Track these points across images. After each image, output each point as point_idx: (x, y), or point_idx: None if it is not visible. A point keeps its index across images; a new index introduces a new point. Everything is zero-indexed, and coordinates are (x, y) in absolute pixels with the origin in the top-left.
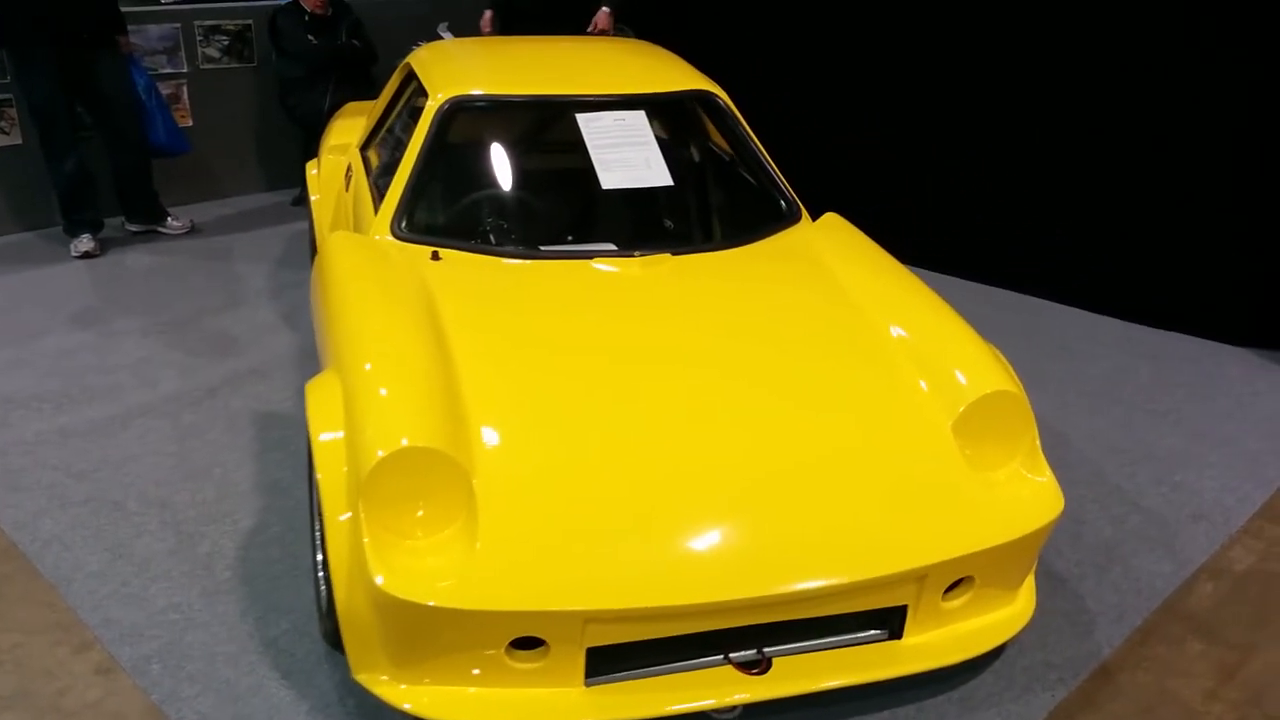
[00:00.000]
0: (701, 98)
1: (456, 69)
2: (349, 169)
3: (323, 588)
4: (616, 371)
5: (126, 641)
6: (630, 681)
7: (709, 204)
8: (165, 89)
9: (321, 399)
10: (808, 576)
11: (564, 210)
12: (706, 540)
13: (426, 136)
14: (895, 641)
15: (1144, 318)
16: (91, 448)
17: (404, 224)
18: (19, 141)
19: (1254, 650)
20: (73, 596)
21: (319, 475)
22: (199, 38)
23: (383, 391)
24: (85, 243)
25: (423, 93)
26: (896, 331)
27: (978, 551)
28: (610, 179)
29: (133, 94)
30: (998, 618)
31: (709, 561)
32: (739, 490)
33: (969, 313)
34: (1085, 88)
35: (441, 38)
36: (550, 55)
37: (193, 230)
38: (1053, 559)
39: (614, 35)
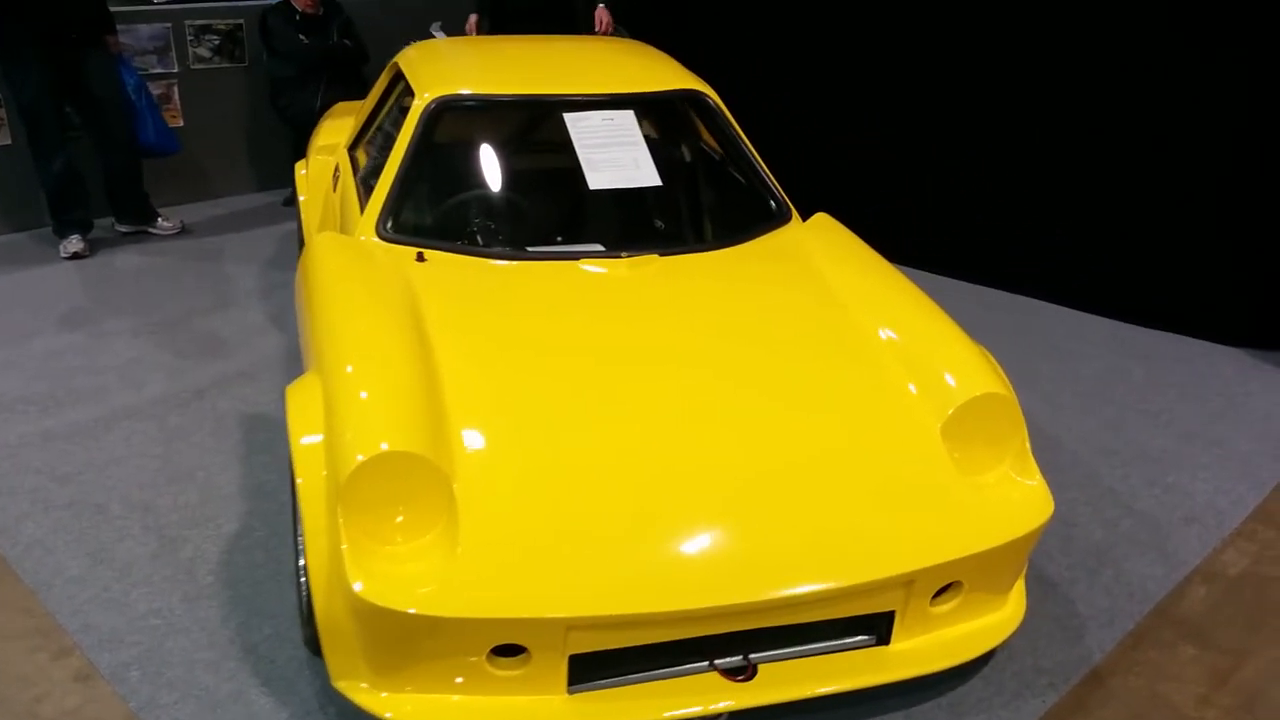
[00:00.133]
0: (691, 97)
1: (444, 68)
2: (336, 169)
3: (304, 593)
4: (602, 374)
5: (106, 647)
6: (614, 689)
7: (698, 204)
8: (156, 89)
9: (302, 402)
10: (793, 582)
11: (551, 211)
12: (691, 545)
13: (413, 136)
14: (883, 647)
15: (1137, 318)
16: (76, 450)
17: (389, 225)
18: (8, 141)
19: (1247, 655)
20: (52, 602)
21: (298, 480)
22: (190, 37)
23: (363, 395)
24: (75, 243)
25: (410, 92)
26: (885, 333)
27: (966, 556)
28: (598, 179)
29: (122, 94)
30: (987, 623)
31: (693, 567)
32: (725, 494)
33: (963, 313)
34: (1083, 89)
35: (434, 37)
36: (539, 55)
37: (183, 231)
38: (1043, 562)
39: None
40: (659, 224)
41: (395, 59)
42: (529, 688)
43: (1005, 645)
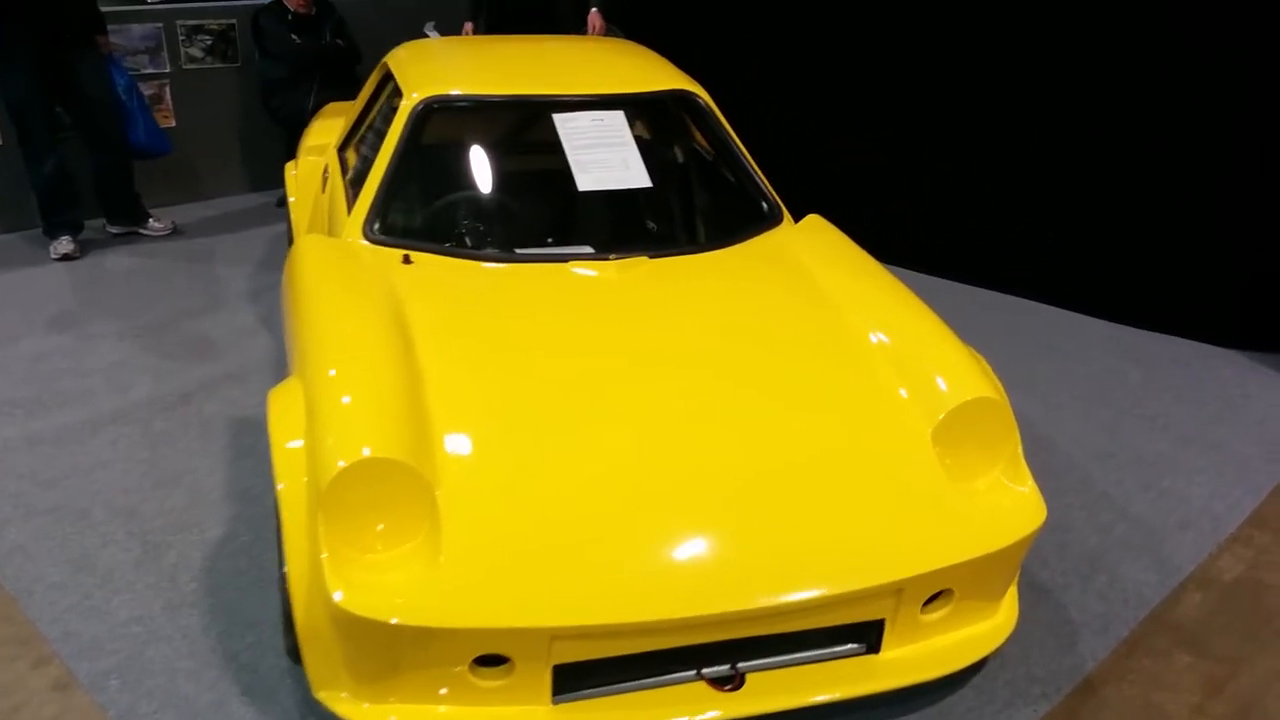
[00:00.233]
0: (682, 98)
1: (432, 68)
2: (326, 170)
3: (285, 601)
4: (589, 378)
5: (86, 656)
6: (599, 699)
7: (688, 206)
8: (148, 89)
9: (284, 406)
10: (781, 590)
11: (539, 212)
12: (677, 553)
13: (400, 137)
14: (872, 656)
15: (1134, 320)
16: (61, 455)
17: (376, 226)
18: None
19: (1243, 663)
20: (33, 609)
21: (279, 485)
22: (181, 37)
23: (345, 400)
24: (65, 244)
25: (398, 93)
26: (876, 336)
27: (957, 564)
28: (586, 180)
29: (113, 94)
30: (979, 631)
31: (679, 575)
32: (712, 501)
33: (959, 314)
34: (1079, 90)
35: (428, 37)
36: (529, 55)
37: (175, 232)
38: (1037, 568)
39: (604, 35)
40: (649, 226)
41: (385, 59)
42: (512, 698)
43: (997, 653)
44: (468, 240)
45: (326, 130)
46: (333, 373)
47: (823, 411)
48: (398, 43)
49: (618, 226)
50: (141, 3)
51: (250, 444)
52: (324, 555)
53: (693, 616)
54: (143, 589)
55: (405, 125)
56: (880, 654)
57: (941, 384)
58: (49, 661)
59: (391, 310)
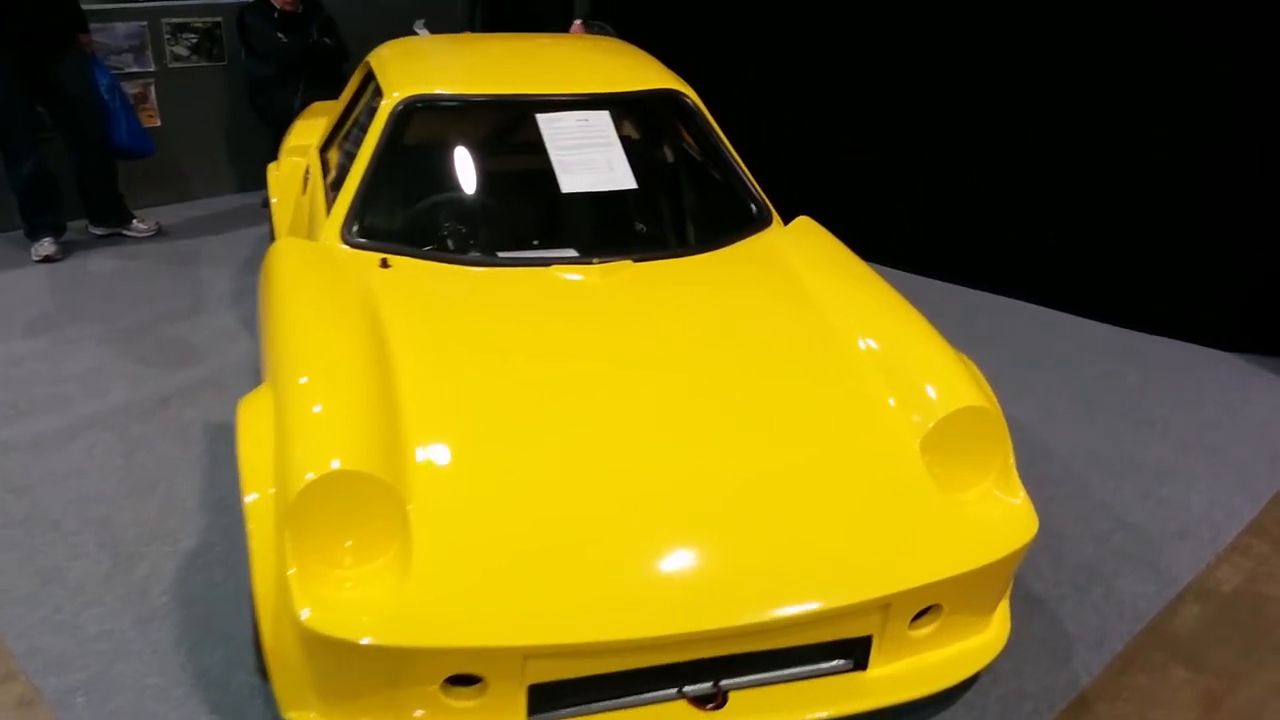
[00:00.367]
0: (669, 97)
1: (414, 67)
2: (307, 171)
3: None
4: (568, 387)
5: (52, 672)
6: (576, 719)
7: (674, 208)
8: (132, 88)
9: (253, 416)
10: (763, 607)
11: (521, 215)
12: (657, 569)
13: (380, 138)
14: (860, 673)
15: (1133, 322)
16: (34, 462)
17: (355, 229)
18: None
19: (1241, 678)
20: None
21: (246, 498)
22: (166, 35)
23: (316, 409)
24: (46, 246)
25: (379, 92)
26: (864, 342)
27: (945, 579)
28: (570, 182)
29: (95, 94)
30: (969, 646)
31: (659, 591)
32: (694, 515)
33: (956, 317)
34: (1077, 91)
35: (417, 35)
36: (514, 54)
37: (159, 233)
38: (1031, 580)
39: (594, 34)
40: (634, 228)
41: (367, 57)
42: (486, 718)
43: (989, 669)
44: (449, 243)
45: (309, 130)
46: (303, 381)
47: (808, 421)
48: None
49: (602, 229)
50: (125, 1)
51: (228, 451)
52: (291, 572)
53: (673, 634)
54: (113, 602)
55: (385, 125)
56: (868, 671)
57: (931, 392)
58: (14, 677)
59: (367, 316)
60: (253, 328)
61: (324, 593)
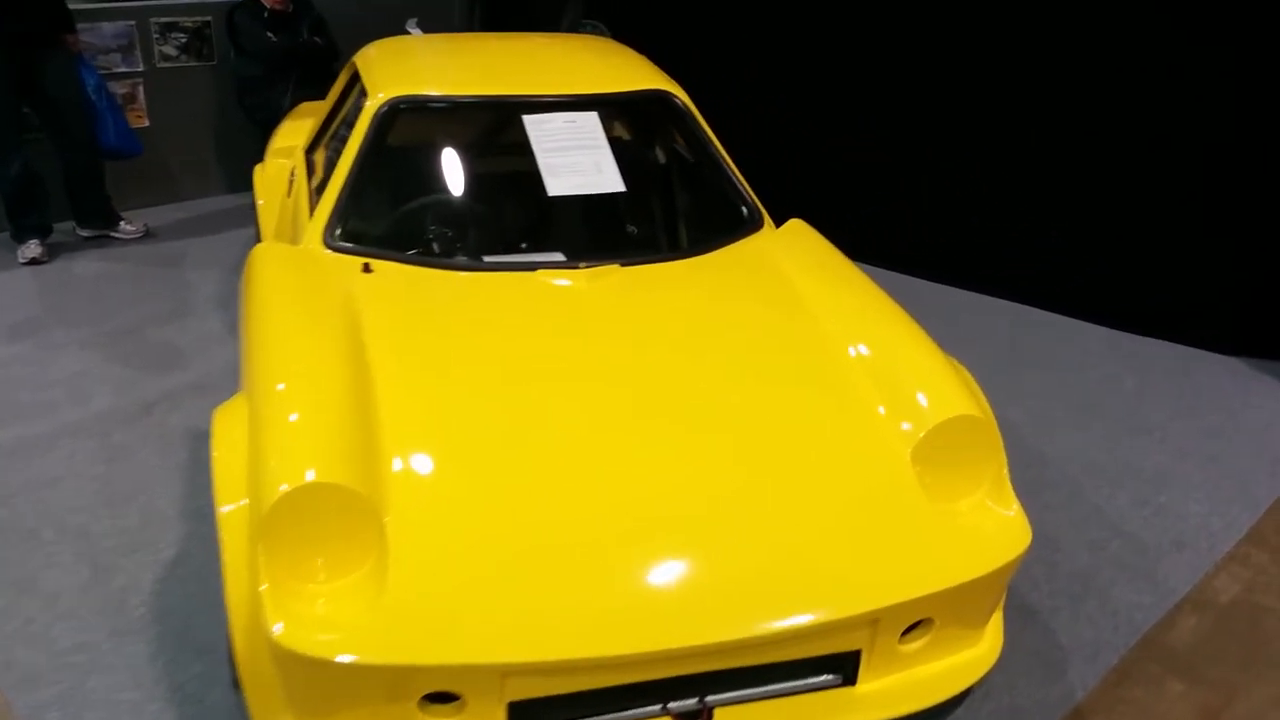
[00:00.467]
0: (658, 98)
1: (400, 68)
2: (293, 173)
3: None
4: (551, 395)
5: (24, 687)
6: None
7: (663, 211)
8: (120, 89)
9: (229, 425)
10: (748, 623)
11: (507, 218)
12: (640, 584)
13: (364, 139)
14: (849, 688)
15: (1133, 325)
16: (13, 470)
17: (337, 233)
18: None
19: (1238, 691)
20: None
21: (220, 509)
22: (155, 35)
23: (291, 419)
24: (33, 248)
25: (364, 93)
26: (855, 349)
27: (935, 593)
28: (557, 185)
29: (81, 94)
30: (961, 660)
31: (642, 607)
32: (678, 527)
33: (952, 319)
34: (1077, 92)
35: (410, 35)
36: (502, 53)
37: (147, 235)
38: (1026, 590)
39: (587, 34)
40: (622, 232)
41: (354, 57)
42: None
43: (981, 683)
44: (433, 247)
45: (295, 131)
46: (279, 390)
47: (796, 430)
48: None
49: (589, 233)
50: (113, 0)
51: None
52: (263, 588)
53: (656, 651)
54: (89, 614)
55: (370, 127)
56: (857, 686)
57: (922, 400)
58: None
59: (347, 323)
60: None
61: (297, 608)
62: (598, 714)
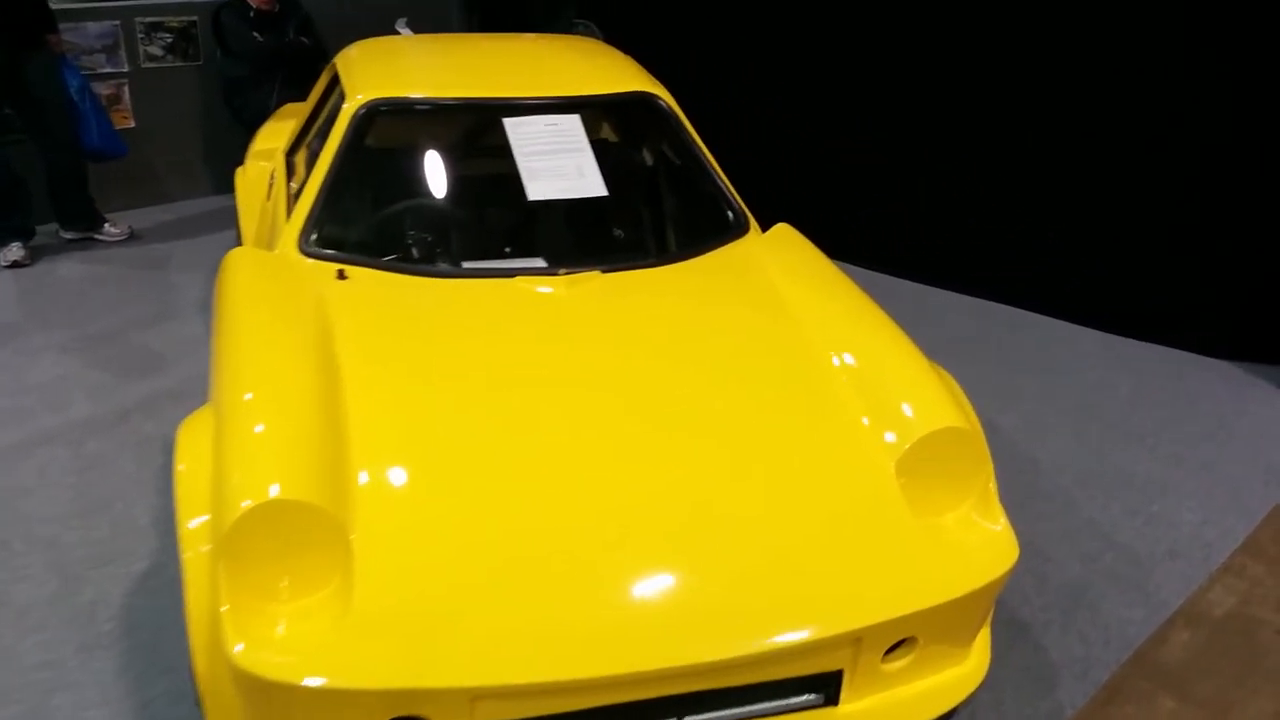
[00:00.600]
0: (642, 100)
1: (380, 69)
2: (273, 176)
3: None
4: (526, 408)
5: None
6: None
7: (646, 215)
8: (105, 89)
9: (194, 437)
10: (726, 644)
11: (486, 223)
12: (615, 603)
13: (341, 143)
14: (831, 709)
15: (1127, 329)
16: None
17: (313, 238)
18: None
19: (1232, 708)
20: None
21: (180, 527)
22: (140, 35)
23: (256, 431)
24: (14, 251)
25: (343, 95)
26: (840, 358)
27: (919, 611)
28: (537, 189)
29: (64, 95)
30: (947, 678)
31: (616, 627)
32: (655, 545)
33: (945, 323)
34: (1074, 94)
35: (400, 35)
36: (484, 55)
37: (131, 237)
38: (1015, 603)
39: (577, 34)
40: (603, 237)
41: (335, 58)
42: None
43: (968, 701)
44: (409, 254)
45: (277, 133)
46: (244, 400)
47: (778, 443)
48: None
49: (570, 238)
50: (97, 0)
51: None
52: (224, 608)
53: (631, 673)
54: (56, 628)
55: (347, 130)
56: (839, 706)
57: (907, 411)
58: None
59: (319, 331)
60: None
61: (258, 628)
62: None
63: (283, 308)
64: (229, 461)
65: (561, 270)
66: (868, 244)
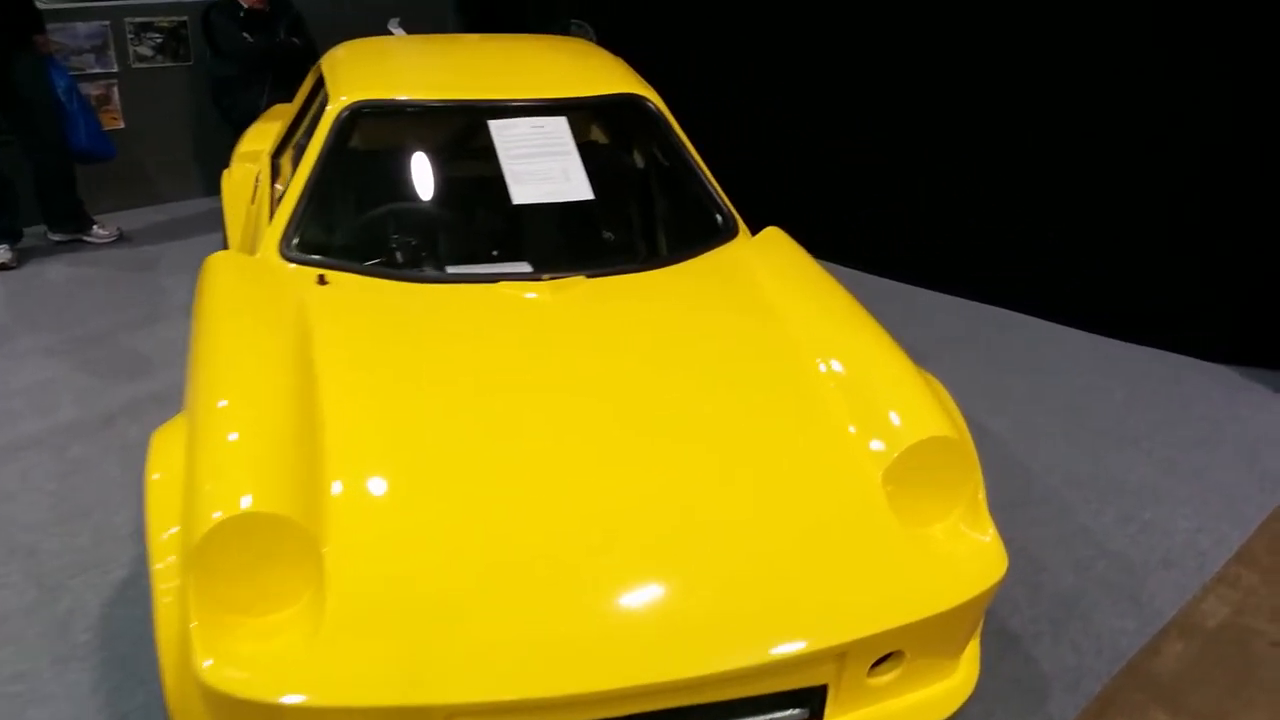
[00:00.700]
0: (629, 102)
1: (365, 71)
2: (258, 179)
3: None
4: (506, 417)
5: None
6: None
7: (633, 219)
8: (94, 90)
9: (166, 446)
10: (707, 660)
11: (470, 228)
12: (594, 618)
13: (324, 146)
14: None
15: (1122, 332)
16: None
17: (295, 243)
18: None
19: None
20: None
21: (150, 539)
22: (130, 35)
23: (229, 440)
24: (2, 254)
25: (327, 96)
26: (827, 365)
27: (905, 625)
28: (522, 193)
29: (51, 96)
30: (934, 692)
31: (595, 643)
32: (637, 558)
33: (939, 327)
34: (1071, 97)
35: (392, 35)
36: (472, 56)
37: (120, 239)
38: (1007, 614)
39: (572, 34)
40: (589, 242)
41: (321, 59)
42: None
43: (957, 714)
44: (396, 257)
45: (263, 135)
46: (218, 409)
47: (763, 452)
48: None
49: (555, 243)
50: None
51: None
52: (193, 625)
53: (610, 690)
54: (32, 639)
55: (330, 132)
56: None
57: (895, 419)
58: None
59: (298, 338)
60: None
61: (228, 644)
62: None
63: (261, 314)
64: (201, 471)
65: (546, 275)
66: (867, 244)
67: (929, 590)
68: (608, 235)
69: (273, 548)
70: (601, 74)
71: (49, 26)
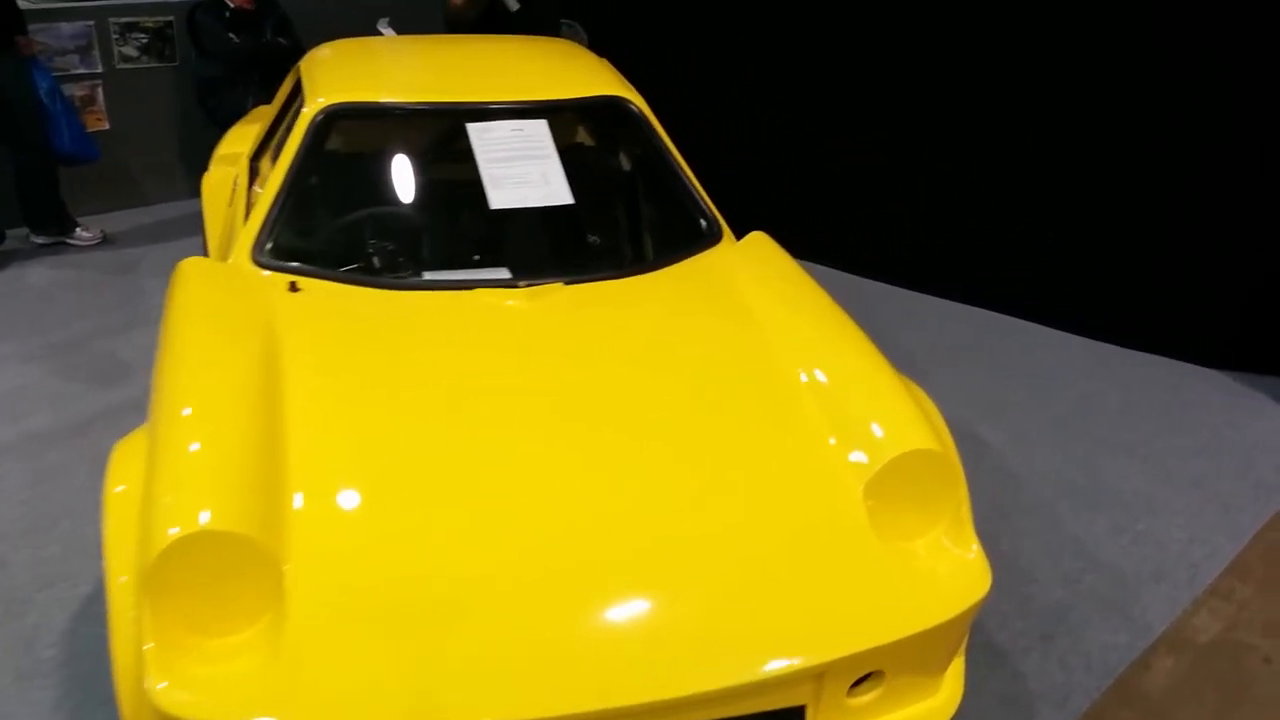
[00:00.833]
0: (611, 104)
1: (343, 73)
2: (235, 182)
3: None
4: (477, 431)
5: None
6: None
7: (614, 224)
8: (79, 90)
9: (126, 459)
10: (681, 681)
11: (447, 233)
12: (565, 640)
13: (299, 149)
14: None
15: (1119, 337)
16: None
17: (268, 249)
18: None
19: None
20: None
21: (106, 551)
22: (115, 35)
23: (189, 453)
24: None
25: (304, 99)
26: (808, 375)
27: (884, 644)
28: (500, 197)
29: (34, 97)
30: (917, 711)
31: (566, 666)
32: (610, 576)
33: (934, 331)
34: (1069, 100)
35: (381, 35)
36: (452, 57)
37: (104, 241)
38: (994, 628)
39: (563, 35)
40: (569, 247)
41: (301, 60)
42: None
43: None
44: (371, 263)
45: (243, 137)
46: (180, 419)
47: (741, 465)
48: None
49: (534, 248)
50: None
51: None
52: (147, 646)
53: (583, 713)
54: None
55: (305, 136)
56: None
57: (877, 431)
58: None
59: (266, 347)
60: None
61: (184, 666)
62: None
63: (229, 322)
64: (159, 484)
65: (523, 281)
66: (866, 245)
67: (910, 608)
68: (588, 240)
69: (231, 566)
70: (583, 76)
71: (32, 27)
